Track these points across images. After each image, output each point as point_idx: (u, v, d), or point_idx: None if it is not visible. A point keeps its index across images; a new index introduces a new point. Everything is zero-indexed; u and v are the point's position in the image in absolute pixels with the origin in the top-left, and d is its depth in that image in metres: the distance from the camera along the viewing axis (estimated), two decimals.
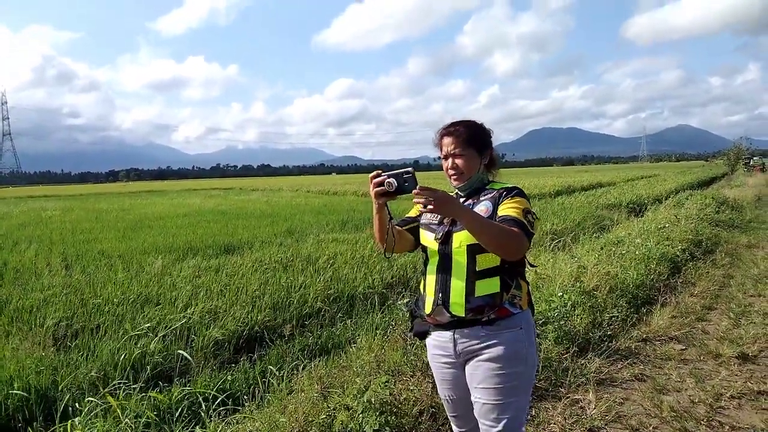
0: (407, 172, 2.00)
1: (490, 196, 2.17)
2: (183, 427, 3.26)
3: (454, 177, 2.23)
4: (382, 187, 2.05)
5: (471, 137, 2.19)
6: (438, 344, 2.28)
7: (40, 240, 12.51)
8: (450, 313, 2.14)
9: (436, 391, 3.48)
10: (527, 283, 2.22)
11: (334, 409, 3.15)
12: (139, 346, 4.66)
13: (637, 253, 7.39)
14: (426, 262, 2.28)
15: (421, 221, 2.33)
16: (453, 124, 2.24)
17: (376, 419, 2.96)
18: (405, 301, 5.54)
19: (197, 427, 3.23)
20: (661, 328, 5.20)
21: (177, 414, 3.49)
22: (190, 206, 24.36)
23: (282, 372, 4.11)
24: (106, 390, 3.19)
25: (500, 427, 2.09)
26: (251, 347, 5.18)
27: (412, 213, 2.42)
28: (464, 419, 2.36)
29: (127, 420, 3.06)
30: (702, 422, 3.43)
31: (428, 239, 2.25)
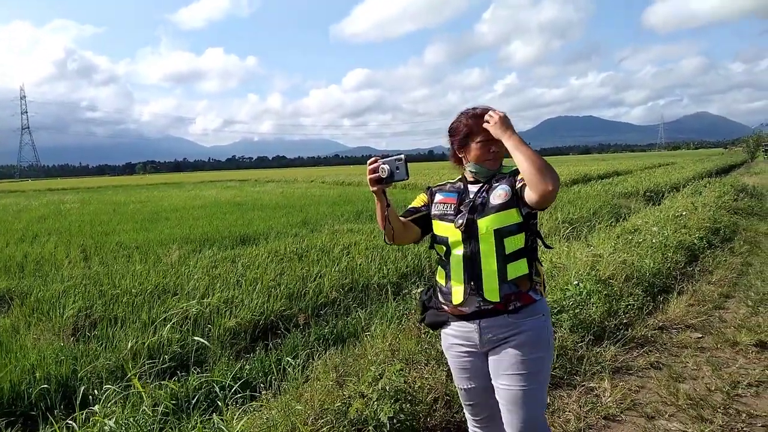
0: (399, 159, 2.04)
1: (504, 180, 2.18)
2: (200, 415, 3.31)
3: (490, 160, 2.23)
4: (376, 174, 2.11)
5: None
6: (459, 334, 2.28)
7: (59, 232, 12.68)
8: (485, 299, 2.14)
9: (451, 379, 3.50)
10: (542, 266, 2.25)
11: (349, 397, 3.17)
12: (156, 335, 4.73)
13: (653, 241, 7.33)
14: (448, 254, 2.24)
15: (434, 212, 2.32)
16: (493, 110, 2.19)
17: (390, 407, 2.97)
18: (420, 290, 5.54)
19: (215, 414, 3.27)
20: (678, 316, 5.16)
21: (194, 402, 3.54)
22: (206, 198, 24.55)
23: (298, 361, 4.14)
24: (131, 373, 3.23)
25: (527, 411, 2.13)
26: (267, 336, 5.23)
27: (416, 203, 2.41)
28: (481, 407, 2.37)
29: (144, 407, 3.11)
30: (718, 410, 3.41)
31: (447, 229, 2.24)
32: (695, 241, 7.91)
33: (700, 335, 4.77)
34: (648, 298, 5.55)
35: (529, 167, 1.98)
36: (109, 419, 2.84)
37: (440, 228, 2.27)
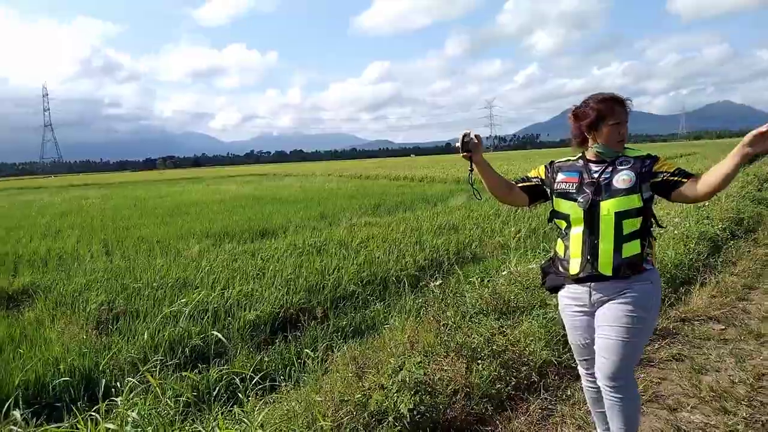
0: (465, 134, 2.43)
1: (630, 165, 2.40)
2: (221, 406, 3.34)
3: (620, 142, 2.46)
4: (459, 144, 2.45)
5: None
6: (573, 296, 2.56)
7: (81, 227, 12.90)
8: (599, 272, 2.40)
9: (470, 371, 3.51)
10: (655, 240, 2.53)
11: (369, 389, 3.18)
12: (177, 328, 4.78)
13: (675, 232, 7.23)
14: (568, 228, 2.50)
15: (557, 189, 2.55)
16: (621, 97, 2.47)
17: (410, 398, 2.97)
18: (438, 283, 5.53)
19: (235, 406, 3.30)
20: (700, 307, 5.08)
21: (215, 393, 3.58)
22: (226, 192, 24.74)
23: (317, 353, 4.17)
24: (145, 368, 3.28)
25: (619, 361, 2.36)
26: (287, 329, 5.26)
27: (532, 173, 2.69)
28: (592, 361, 2.57)
29: (166, 399, 3.15)
30: (742, 402, 3.36)
31: (569, 207, 2.47)
32: (718, 231, 7.76)
33: (723, 327, 4.70)
34: (670, 289, 5.47)
35: (721, 186, 2.18)
36: (132, 411, 2.88)
37: (563, 205, 2.51)
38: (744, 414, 3.23)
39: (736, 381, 3.67)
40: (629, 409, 2.45)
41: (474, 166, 2.51)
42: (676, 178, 2.32)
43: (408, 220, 11.46)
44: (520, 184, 2.65)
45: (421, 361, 3.39)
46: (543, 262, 2.79)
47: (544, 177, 2.63)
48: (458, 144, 2.44)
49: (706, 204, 9.64)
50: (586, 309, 2.52)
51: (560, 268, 2.58)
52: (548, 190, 2.61)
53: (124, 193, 29.46)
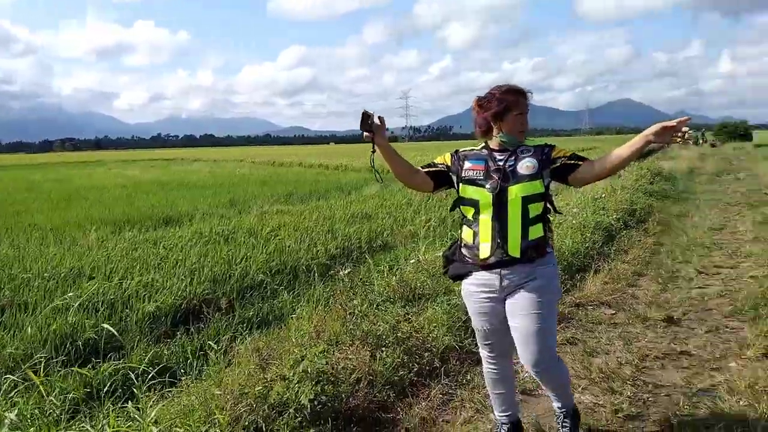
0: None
1: (531, 154, 2.54)
2: (114, 403, 3.18)
3: (523, 132, 2.56)
4: None
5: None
6: (481, 283, 2.61)
7: None
8: (509, 255, 2.49)
9: (375, 358, 3.53)
10: (552, 225, 2.70)
11: (271, 380, 3.12)
12: (68, 321, 4.50)
13: (573, 222, 7.59)
14: (476, 214, 2.56)
15: (464, 176, 2.59)
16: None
17: (311, 388, 2.95)
18: (347, 271, 5.52)
19: (130, 402, 3.15)
20: (594, 293, 5.37)
21: (106, 390, 3.40)
22: (129, 177, 23.69)
23: (220, 345, 4.05)
24: (27, 365, 3.05)
25: (540, 345, 2.47)
26: (189, 320, 5.08)
27: (437, 160, 2.72)
28: (496, 345, 2.74)
29: (52, 398, 2.96)
30: (627, 382, 3.58)
31: (477, 192, 2.53)
32: (612, 222, 8.22)
33: (614, 311, 4.99)
34: (566, 276, 5.74)
35: (617, 168, 2.47)
36: (10, 412, 2.68)
37: (470, 192, 2.56)
38: (629, 393, 3.44)
39: (623, 362, 3.90)
40: (559, 381, 2.69)
41: (376, 147, 2.52)
42: (572, 162, 2.51)
43: (321, 208, 11.40)
44: (425, 170, 2.68)
45: (324, 350, 3.37)
46: (446, 250, 2.84)
47: (450, 164, 2.67)
48: (360, 124, 2.45)
49: (603, 195, 10.21)
50: (495, 295, 2.58)
51: (467, 255, 2.63)
52: (454, 178, 2.65)
53: (16, 176, 27.51)
